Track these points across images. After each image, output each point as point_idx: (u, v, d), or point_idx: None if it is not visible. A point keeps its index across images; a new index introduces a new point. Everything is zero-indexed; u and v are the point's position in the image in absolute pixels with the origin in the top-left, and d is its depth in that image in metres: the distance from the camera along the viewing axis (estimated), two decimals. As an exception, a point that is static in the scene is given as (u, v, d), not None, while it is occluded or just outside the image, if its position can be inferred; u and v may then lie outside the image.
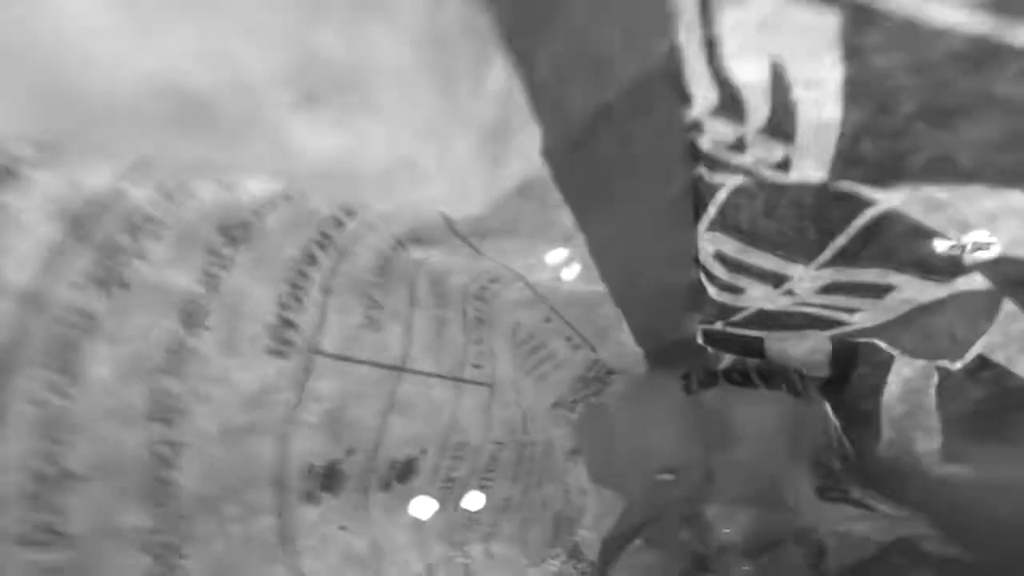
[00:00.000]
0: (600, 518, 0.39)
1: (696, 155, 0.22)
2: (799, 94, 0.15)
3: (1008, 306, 0.20)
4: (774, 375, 0.39)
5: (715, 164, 0.22)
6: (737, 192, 0.23)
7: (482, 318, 0.26)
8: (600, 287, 0.31)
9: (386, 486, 0.19)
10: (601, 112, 0.18)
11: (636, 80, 0.17)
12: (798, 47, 0.14)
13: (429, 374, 0.21)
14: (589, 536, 0.38)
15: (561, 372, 0.38)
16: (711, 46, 0.15)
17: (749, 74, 0.15)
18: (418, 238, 0.19)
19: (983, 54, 0.12)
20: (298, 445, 0.16)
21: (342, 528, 0.18)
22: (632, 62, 0.16)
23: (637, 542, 0.38)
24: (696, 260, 0.31)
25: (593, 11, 0.14)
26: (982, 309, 0.21)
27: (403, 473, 0.20)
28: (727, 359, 0.43)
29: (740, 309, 0.32)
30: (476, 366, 0.25)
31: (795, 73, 0.14)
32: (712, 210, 0.26)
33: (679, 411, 0.41)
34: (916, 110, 0.14)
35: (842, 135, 0.16)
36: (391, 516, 0.20)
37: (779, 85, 0.15)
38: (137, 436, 0.14)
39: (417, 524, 0.21)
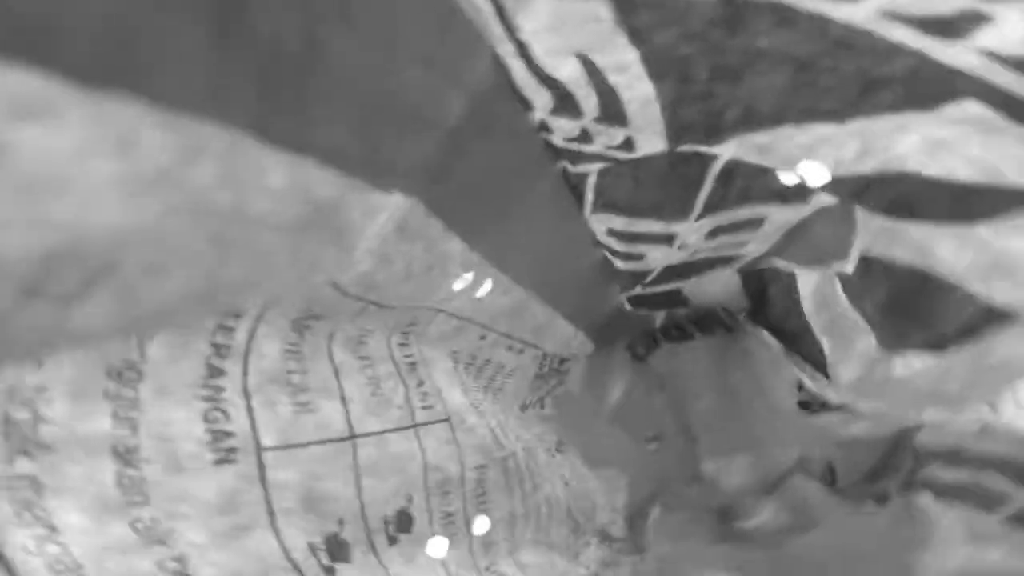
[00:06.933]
0: (611, 495, 0.41)
1: (554, 152, 0.23)
2: (614, 79, 0.16)
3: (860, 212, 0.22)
4: (705, 319, 0.41)
5: (572, 156, 0.23)
6: (603, 175, 0.25)
7: (415, 362, 0.26)
8: (519, 292, 0.32)
9: (392, 541, 0.20)
10: (449, 141, 0.19)
11: (473, 101, 0.18)
12: (590, 39, 0.15)
13: (382, 432, 0.22)
14: (610, 515, 0.40)
15: (515, 378, 0.38)
16: (524, 52, 0.16)
17: (565, 71, 0.16)
18: (315, 314, 0.19)
19: (732, 16, 0.13)
20: (289, 530, 0.17)
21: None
22: (454, 88, 0.17)
23: (656, 510, 0.39)
24: (596, 242, 0.32)
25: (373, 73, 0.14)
26: (841, 218, 0.23)
27: (401, 525, 0.21)
28: (661, 317, 0.45)
29: (649, 271, 0.34)
30: (426, 407, 0.25)
31: (601, 62, 0.16)
32: (590, 196, 0.27)
33: (634, 381, 0.42)
34: (709, 74, 0.15)
35: (663, 108, 0.17)
36: (410, 565, 0.21)
37: (595, 75, 0.16)
38: (144, 562, 0.15)
39: (439, 564, 0.22)
